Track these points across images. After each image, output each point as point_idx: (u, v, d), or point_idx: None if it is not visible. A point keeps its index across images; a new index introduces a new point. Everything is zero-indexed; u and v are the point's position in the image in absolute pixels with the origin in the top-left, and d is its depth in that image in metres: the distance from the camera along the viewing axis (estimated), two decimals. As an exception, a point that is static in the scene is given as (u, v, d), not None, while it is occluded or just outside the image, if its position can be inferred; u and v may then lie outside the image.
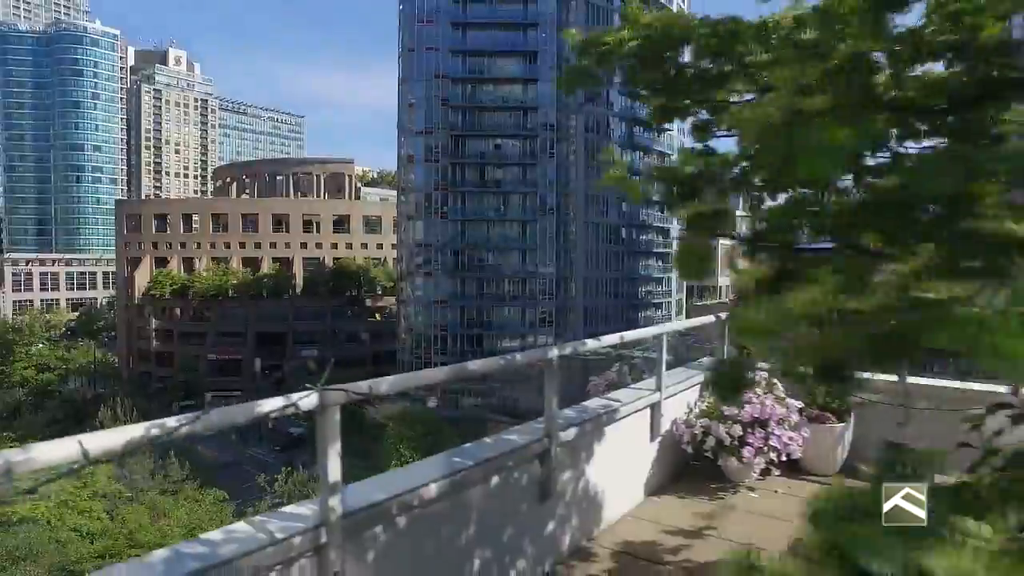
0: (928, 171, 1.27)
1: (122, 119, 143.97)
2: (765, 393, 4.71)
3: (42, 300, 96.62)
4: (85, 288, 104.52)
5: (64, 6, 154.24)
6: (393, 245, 71.97)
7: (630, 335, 4.67)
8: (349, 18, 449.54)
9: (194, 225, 78.22)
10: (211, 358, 68.07)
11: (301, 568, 2.19)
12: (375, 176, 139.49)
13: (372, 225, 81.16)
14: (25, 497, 19.43)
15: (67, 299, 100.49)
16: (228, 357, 68.02)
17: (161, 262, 75.67)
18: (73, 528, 22.68)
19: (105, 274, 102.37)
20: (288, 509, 2.38)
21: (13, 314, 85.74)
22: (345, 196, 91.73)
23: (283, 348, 69.06)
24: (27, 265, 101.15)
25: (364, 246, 79.53)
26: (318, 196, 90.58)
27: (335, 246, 78.37)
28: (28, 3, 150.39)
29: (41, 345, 72.07)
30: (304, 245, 77.85)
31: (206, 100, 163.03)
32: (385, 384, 2.36)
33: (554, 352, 3.28)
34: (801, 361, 1.40)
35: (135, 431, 1.71)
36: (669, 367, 4.90)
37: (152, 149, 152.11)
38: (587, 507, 3.86)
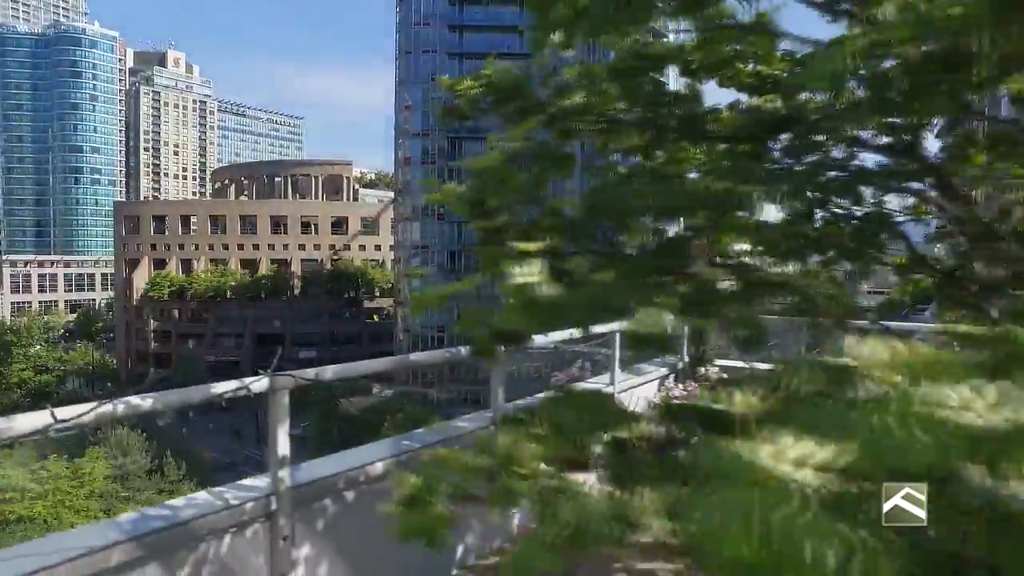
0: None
1: (121, 121, 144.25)
2: (710, 386, 5.04)
3: (40, 301, 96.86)
4: (83, 290, 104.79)
5: (63, 8, 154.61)
6: (391, 247, 72.35)
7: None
8: (348, 20, 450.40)
9: (192, 227, 78.53)
10: (209, 359, 68.35)
11: (254, 531, 2.52)
12: (373, 178, 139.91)
13: (370, 227, 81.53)
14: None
15: (65, 300, 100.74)
16: (226, 358, 68.29)
17: (159, 263, 75.99)
18: (71, 526, 22.98)
19: (103, 276, 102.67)
20: (244, 481, 2.70)
21: (11, 316, 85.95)
22: (343, 198, 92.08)
23: (282, 349, 69.22)
24: (25, 266, 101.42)
25: (362, 247, 79.90)
26: (316, 198, 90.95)
27: (333, 247, 78.69)
28: (27, 5, 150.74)
29: (39, 347, 72.25)
30: (302, 247, 78.19)
31: (205, 102, 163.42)
32: (330, 371, 2.69)
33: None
34: (467, 327, 1.96)
35: (104, 407, 2.04)
36: (632, 364, 5.25)
37: (151, 151, 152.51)
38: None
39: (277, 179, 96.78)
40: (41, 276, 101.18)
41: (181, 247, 77.48)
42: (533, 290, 1.53)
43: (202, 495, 2.54)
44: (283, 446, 2.53)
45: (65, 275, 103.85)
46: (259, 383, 2.42)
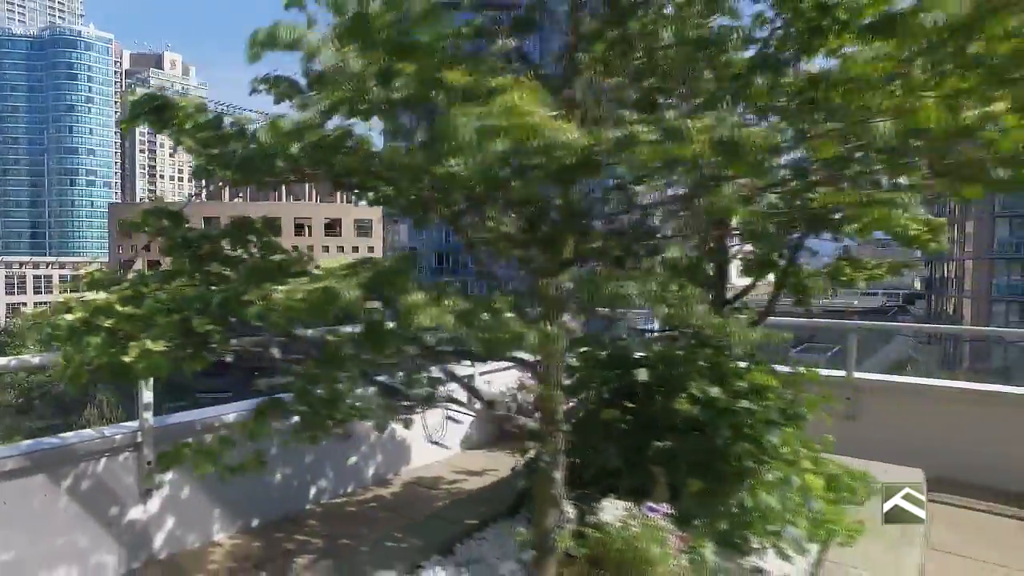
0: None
1: (116, 122, 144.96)
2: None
3: (35, 303, 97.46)
4: (79, 291, 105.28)
5: (59, 10, 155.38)
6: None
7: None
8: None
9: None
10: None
11: (125, 458, 3.51)
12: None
13: (364, 228, 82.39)
14: None
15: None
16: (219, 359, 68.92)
17: (154, 265, 76.79)
18: None
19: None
20: (120, 424, 3.69)
21: (6, 317, 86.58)
22: (336, 200, 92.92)
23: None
24: (20, 268, 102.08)
25: (356, 249, 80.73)
26: (309, 200, 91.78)
27: (326, 249, 79.48)
28: (23, 7, 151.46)
29: (34, 348, 72.75)
30: (296, 248, 78.86)
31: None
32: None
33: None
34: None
35: None
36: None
37: (146, 152, 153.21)
38: (393, 451, 5.17)
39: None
40: (36, 277, 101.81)
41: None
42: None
43: (88, 431, 3.53)
44: (147, 397, 3.52)
45: (60, 276, 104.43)
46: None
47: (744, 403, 2.51)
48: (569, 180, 1.59)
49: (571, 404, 3.08)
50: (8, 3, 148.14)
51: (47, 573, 3.25)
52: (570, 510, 2.20)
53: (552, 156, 1.33)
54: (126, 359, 1.47)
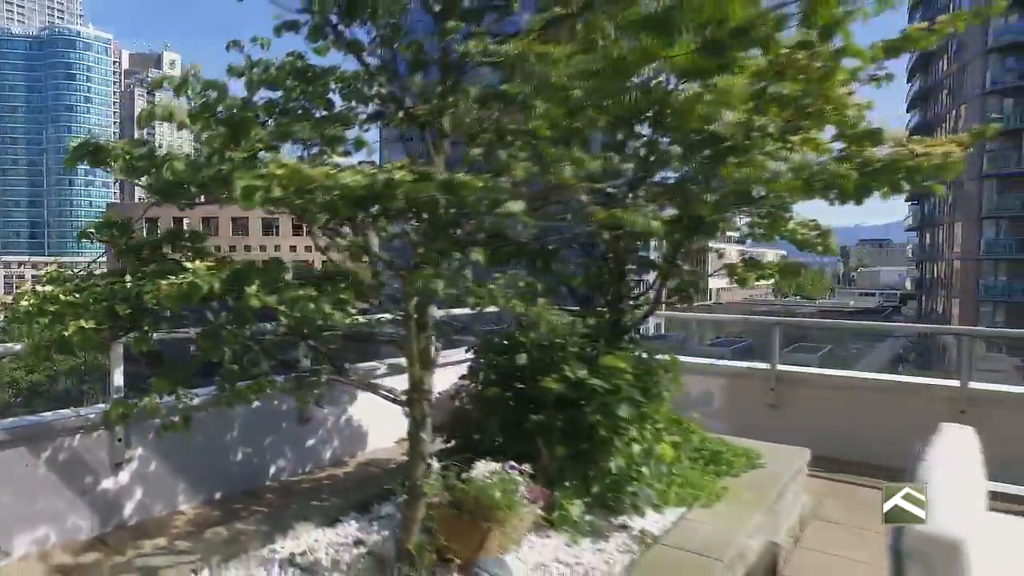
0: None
1: (115, 123, 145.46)
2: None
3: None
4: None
5: (58, 10, 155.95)
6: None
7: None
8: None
9: (185, 228, 79.75)
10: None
11: (98, 435, 4.00)
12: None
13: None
14: None
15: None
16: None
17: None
18: None
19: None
20: (95, 406, 4.17)
21: (3, 316, 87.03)
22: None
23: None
24: (19, 267, 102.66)
25: (293, 248, 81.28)
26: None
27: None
28: (22, 7, 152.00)
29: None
30: (293, 248, 79.60)
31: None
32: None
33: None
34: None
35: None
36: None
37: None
38: (350, 436, 5.66)
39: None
40: (35, 277, 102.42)
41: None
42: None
43: (64, 411, 4.01)
44: (117, 379, 4.01)
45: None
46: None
47: (596, 381, 3.00)
48: (359, 208, 2.07)
49: (467, 383, 3.58)
50: (7, 3, 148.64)
51: (29, 532, 3.74)
52: (435, 464, 2.69)
53: (337, 193, 1.83)
54: (66, 334, 1.96)
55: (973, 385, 5.46)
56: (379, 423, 5.82)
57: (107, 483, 4.10)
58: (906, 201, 61.95)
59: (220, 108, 2.21)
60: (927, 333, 43.38)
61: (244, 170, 1.80)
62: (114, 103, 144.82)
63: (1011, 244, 44.14)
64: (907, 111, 60.57)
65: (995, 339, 26.74)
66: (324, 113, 2.51)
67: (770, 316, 7.02)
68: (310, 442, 5.36)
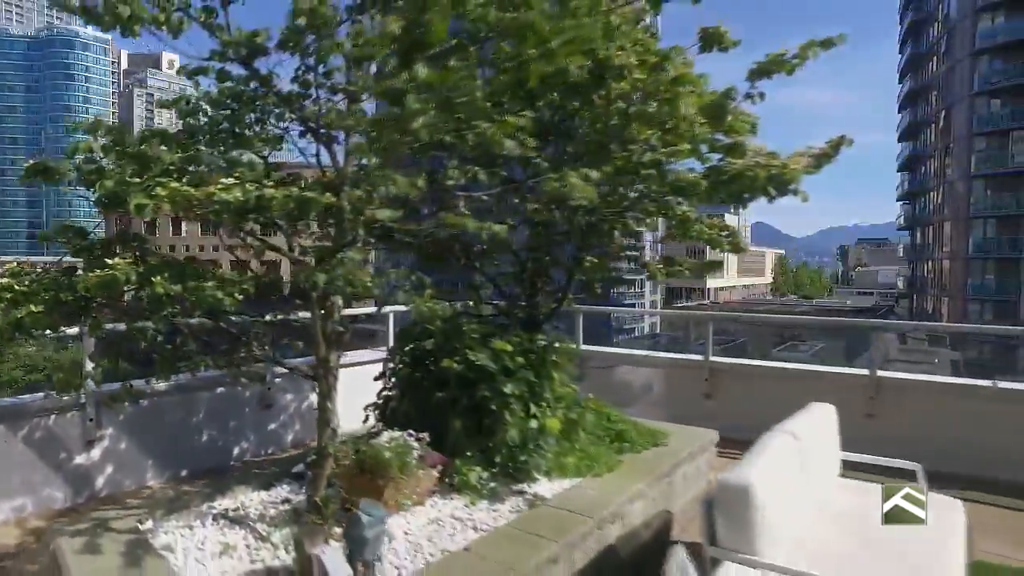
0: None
1: (114, 123, 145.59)
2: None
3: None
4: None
5: (56, 11, 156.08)
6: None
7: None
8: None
9: (184, 229, 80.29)
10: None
11: (72, 415, 4.47)
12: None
13: None
14: None
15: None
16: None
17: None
18: None
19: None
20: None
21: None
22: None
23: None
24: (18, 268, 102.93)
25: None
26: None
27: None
28: (20, 7, 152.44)
29: (32, 347, 73.78)
30: (292, 248, 79.99)
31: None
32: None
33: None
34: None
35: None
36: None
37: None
38: (311, 420, 6.07)
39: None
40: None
41: (172, 249, 79.08)
42: None
43: (40, 393, 4.49)
44: (90, 365, 4.48)
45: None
46: (73, 329, 4.37)
47: (487, 362, 3.46)
48: (240, 218, 2.55)
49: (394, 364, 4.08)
50: (6, 3, 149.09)
51: (7, 501, 4.21)
52: (339, 429, 3.16)
53: (217, 207, 2.31)
54: (18, 316, 2.42)
55: (882, 374, 5.94)
56: (343, 407, 6.29)
57: (80, 459, 4.57)
58: (898, 200, 62.52)
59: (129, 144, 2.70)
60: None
61: (139, 191, 2.27)
62: (113, 104, 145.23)
63: (999, 243, 44.58)
64: (898, 111, 61.07)
65: (911, 335, 27.67)
66: (234, 137, 3.00)
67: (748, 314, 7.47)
68: (272, 426, 5.84)
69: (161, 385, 4.94)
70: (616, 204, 3.82)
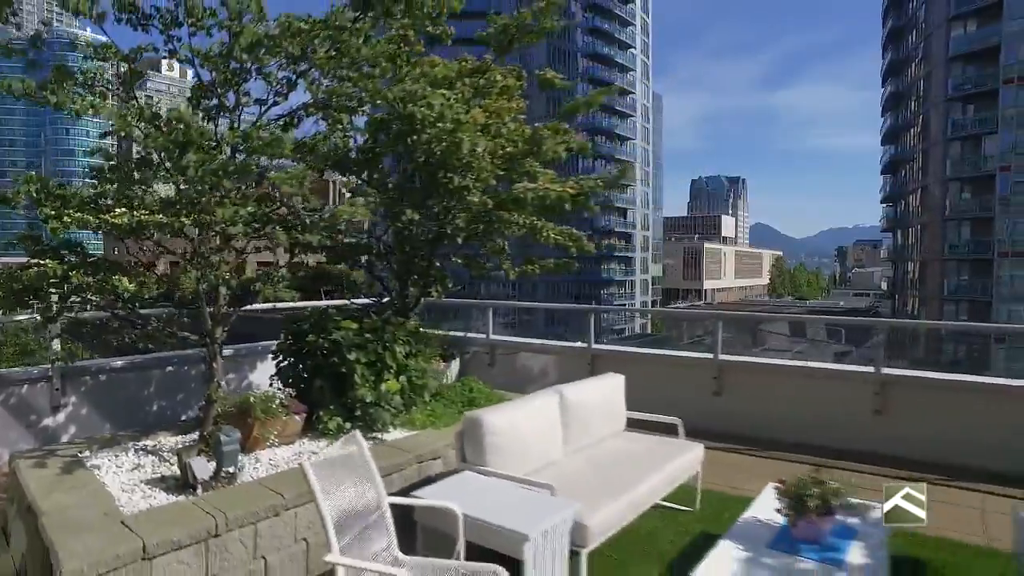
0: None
1: (113, 125, 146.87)
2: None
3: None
4: None
5: (56, 13, 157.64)
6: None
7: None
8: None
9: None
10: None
11: (41, 385, 5.65)
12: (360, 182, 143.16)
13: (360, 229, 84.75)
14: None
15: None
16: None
17: (149, 267, 78.92)
18: None
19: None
20: (40, 365, 5.82)
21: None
22: (330, 201, 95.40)
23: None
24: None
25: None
26: (304, 200, 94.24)
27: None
28: (19, 9, 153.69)
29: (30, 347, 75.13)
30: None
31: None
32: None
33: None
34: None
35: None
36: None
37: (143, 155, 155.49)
38: (248, 389, 7.31)
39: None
40: None
41: (171, 251, 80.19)
42: None
43: (15, 368, 5.66)
44: (56, 346, 5.66)
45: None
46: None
47: (335, 336, 4.67)
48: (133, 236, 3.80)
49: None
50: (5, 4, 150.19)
51: (-12, 453, 5.40)
52: (224, 384, 4.36)
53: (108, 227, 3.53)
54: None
55: (723, 357, 7.13)
56: (260, 380, 7.47)
57: (47, 421, 5.75)
58: (881, 203, 63.74)
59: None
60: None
61: (54, 218, 3.50)
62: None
63: (973, 245, 45.72)
64: (881, 115, 62.27)
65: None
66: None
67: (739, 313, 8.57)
68: (215, 399, 7.02)
69: (118, 363, 6.14)
70: (445, 225, 5.09)
